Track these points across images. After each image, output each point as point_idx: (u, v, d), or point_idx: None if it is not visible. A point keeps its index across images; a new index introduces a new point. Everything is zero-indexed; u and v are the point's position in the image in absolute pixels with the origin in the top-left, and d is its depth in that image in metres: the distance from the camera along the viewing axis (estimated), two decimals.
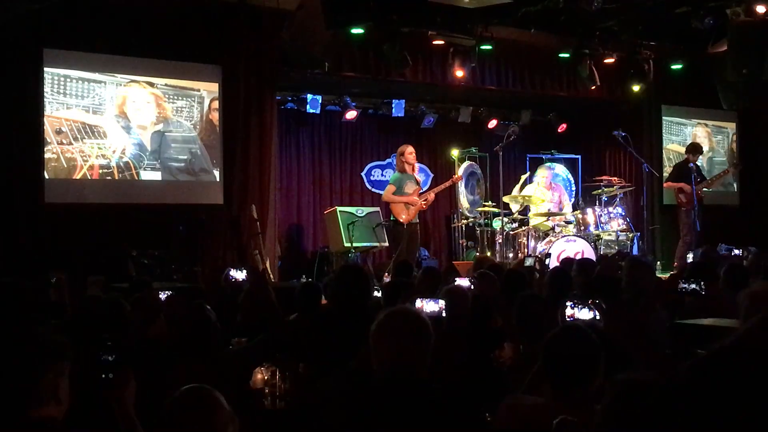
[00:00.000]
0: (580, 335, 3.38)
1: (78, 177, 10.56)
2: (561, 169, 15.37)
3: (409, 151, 12.27)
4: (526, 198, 13.29)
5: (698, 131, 15.86)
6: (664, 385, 1.88)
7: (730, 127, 16.32)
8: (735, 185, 16.10)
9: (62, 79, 10.42)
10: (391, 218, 12.21)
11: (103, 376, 3.27)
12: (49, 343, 3.02)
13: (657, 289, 6.33)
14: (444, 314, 4.93)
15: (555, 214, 13.12)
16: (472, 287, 6.67)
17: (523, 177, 14.58)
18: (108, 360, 3.30)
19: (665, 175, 14.25)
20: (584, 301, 4.40)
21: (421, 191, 12.48)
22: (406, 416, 3.39)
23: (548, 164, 14.44)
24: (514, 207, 13.45)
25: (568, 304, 4.45)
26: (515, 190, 14.19)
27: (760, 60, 14.24)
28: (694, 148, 13.51)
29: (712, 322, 3.79)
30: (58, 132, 10.40)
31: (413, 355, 3.46)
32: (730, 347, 1.61)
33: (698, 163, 13.55)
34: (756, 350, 1.58)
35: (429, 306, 4.88)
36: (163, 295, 6.27)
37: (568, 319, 4.37)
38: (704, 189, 13.37)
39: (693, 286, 5.74)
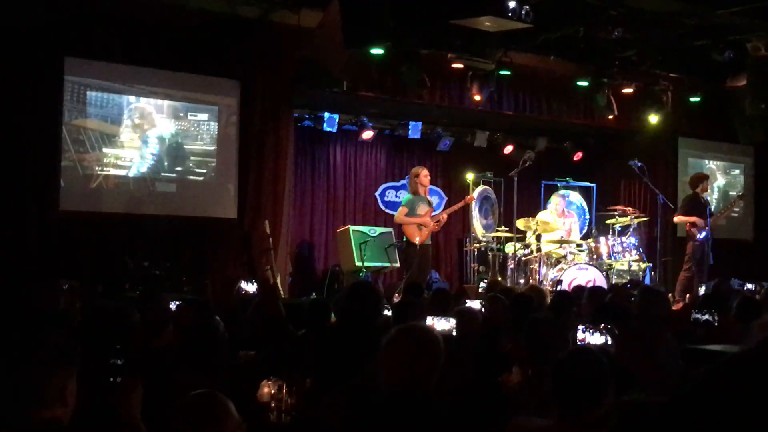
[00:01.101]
0: (591, 358, 3.36)
1: (94, 186, 10.60)
2: (575, 197, 15.35)
3: (425, 174, 12.28)
4: (540, 224, 13.25)
5: (713, 166, 15.81)
6: (668, 405, 1.86)
7: (746, 162, 16.27)
8: (750, 219, 16.02)
9: (82, 88, 10.47)
10: (404, 239, 12.20)
11: (111, 380, 3.26)
12: (58, 345, 3.02)
13: (669, 318, 6.30)
14: (454, 333, 4.91)
15: (567, 242, 13.09)
16: (483, 310, 6.65)
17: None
18: (116, 364, 3.30)
19: None
20: (596, 325, 4.37)
21: (434, 213, 12.48)
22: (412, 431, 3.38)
23: (562, 192, 14.42)
24: (529, 233, 13.42)
25: (580, 327, 4.44)
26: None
27: None
28: (701, 178, 13.37)
29: (725, 348, 3.76)
30: (76, 141, 10.45)
31: (423, 371, 3.44)
32: (732, 360, 1.60)
33: (707, 197, 13.45)
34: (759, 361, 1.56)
35: (440, 324, 4.87)
36: (172, 305, 6.27)
37: (579, 343, 4.35)
38: (717, 222, 13.29)
39: (706, 316, 5.72)
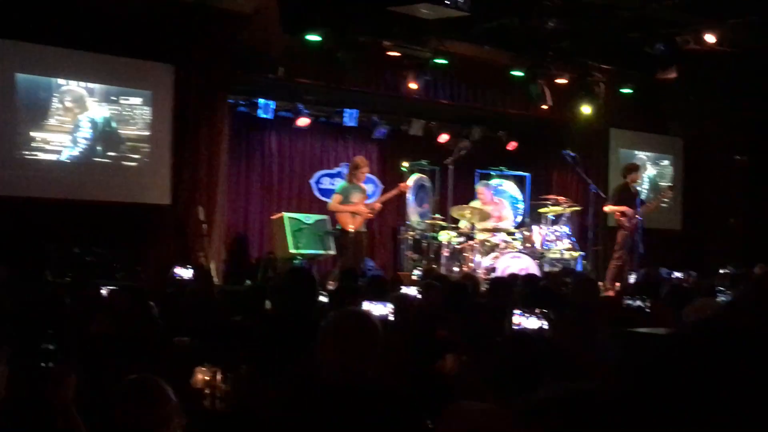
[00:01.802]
0: (528, 342, 3.39)
1: (23, 171, 10.38)
2: (509, 186, 15.47)
3: (364, 171, 12.30)
4: (474, 211, 13.32)
5: (644, 157, 16.06)
6: (607, 391, 1.88)
7: (676, 153, 16.57)
8: (679, 210, 16.32)
9: (10, 70, 10.25)
10: (337, 227, 12.20)
11: (43, 364, 3.21)
12: None
13: (602, 305, 6.40)
14: (391, 318, 4.92)
15: (500, 230, 13.18)
16: (419, 297, 6.68)
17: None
18: (48, 349, 3.24)
19: None
20: (531, 310, 4.42)
21: (368, 201, 12.49)
22: (350, 418, 3.37)
23: (484, 181, 14.42)
24: (463, 221, 13.47)
25: (516, 312, 4.48)
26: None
27: (708, 87, 14.55)
28: (633, 168, 13.55)
29: (657, 331, 3.83)
30: (3, 123, 10.22)
31: (362, 354, 3.44)
32: (670, 341, 1.62)
33: (637, 187, 13.65)
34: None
35: (377, 309, 4.87)
36: (104, 291, 6.19)
37: (515, 328, 4.39)
38: (646, 212, 13.49)
39: (638, 302, 5.82)
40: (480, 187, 13.79)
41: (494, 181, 15.02)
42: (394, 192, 13.01)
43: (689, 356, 1.56)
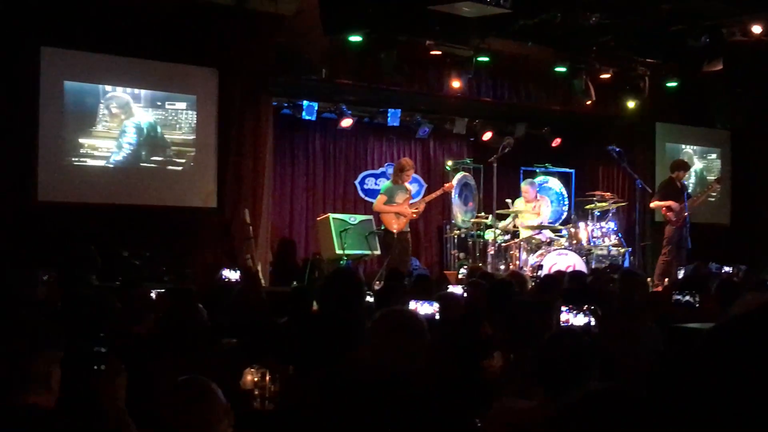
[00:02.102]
0: (575, 339, 3.38)
1: (71, 176, 10.53)
2: (554, 183, 15.39)
3: (409, 173, 12.31)
4: (518, 210, 13.27)
5: (690, 150, 15.88)
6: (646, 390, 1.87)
7: (723, 146, 16.35)
8: (727, 203, 16.10)
9: (59, 77, 10.40)
10: (382, 227, 12.22)
11: (95, 367, 3.26)
12: (39, 332, 3.01)
13: (649, 301, 6.33)
14: (437, 317, 4.92)
15: (544, 227, 13.11)
16: (464, 295, 6.67)
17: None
18: (100, 351, 3.29)
19: None
20: (579, 306, 4.40)
21: (412, 201, 12.50)
22: (397, 417, 3.38)
23: (529, 179, 14.36)
24: (506, 220, 13.42)
25: (564, 309, 4.45)
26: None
27: (755, 79, 14.34)
28: (681, 165, 13.45)
29: (705, 326, 3.78)
30: (52, 131, 10.37)
31: (408, 354, 3.45)
32: (711, 335, 1.60)
33: (684, 181, 13.50)
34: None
35: (423, 308, 4.87)
36: (153, 294, 6.26)
37: (562, 324, 4.37)
38: (694, 206, 13.34)
39: (687, 297, 5.75)
40: (525, 186, 13.74)
41: (539, 179, 14.94)
42: (438, 192, 13.01)
43: (729, 349, 1.54)
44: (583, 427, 2.08)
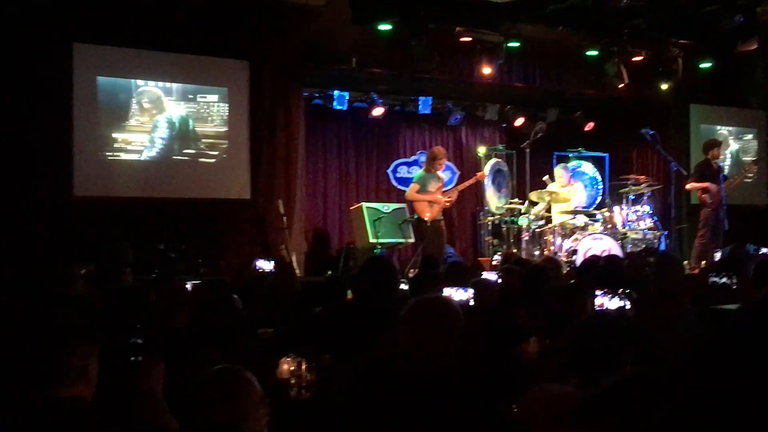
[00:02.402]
0: (610, 322, 3.36)
1: (106, 171, 10.63)
2: (588, 167, 15.29)
3: (442, 162, 12.28)
4: (552, 194, 13.19)
5: (725, 132, 15.71)
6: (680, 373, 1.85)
7: (759, 127, 16.16)
8: (764, 184, 15.92)
9: (91, 73, 10.50)
10: (415, 216, 12.22)
11: (132, 359, 3.29)
12: (76, 325, 3.04)
13: (686, 283, 6.29)
14: (471, 303, 4.92)
15: (580, 212, 13.04)
16: (499, 281, 6.65)
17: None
18: (137, 343, 3.32)
19: None
20: (614, 290, 4.38)
21: (445, 189, 12.48)
22: (432, 404, 3.38)
23: (563, 164, 14.28)
24: (539, 205, 13.35)
25: (599, 293, 4.43)
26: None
27: None
28: (713, 144, 13.26)
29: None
30: (86, 126, 10.47)
31: (442, 340, 3.45)
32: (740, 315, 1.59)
33: (720, 163, 13.34)
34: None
35: (458, 295, 4.87)
36: (188, 286, 6.30)
37: (597, 308, 4.35)
38: (731, 188, 13.19)
39: (724, 279, 5.70)
40: (559, 170, 13.67)
41: (572, 163, 14.85)
42: (471, 181, 12.99)
43: (759, 327, 1.53)
44: (615, 412, 2.07)
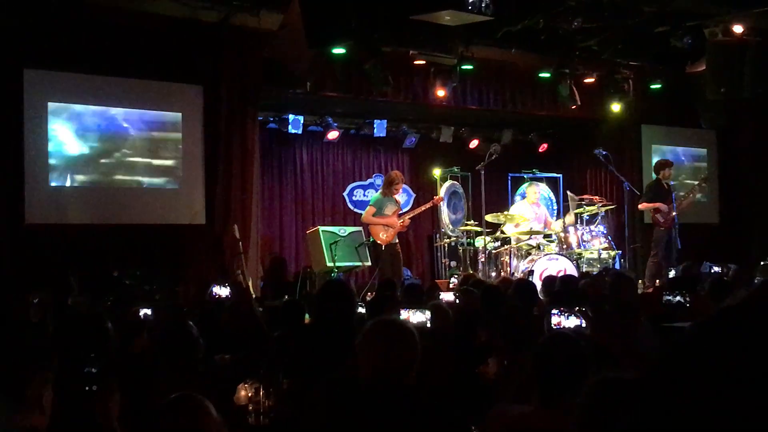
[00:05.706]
0: (569, 342, 3.37)
1: (59, 198, 10.49)
2: (543, 188, 15.41)
3: (399, 186, 12.29)
4: (508, 216, 13.27)
5: (676, 151, 15.92)
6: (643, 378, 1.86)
7: (709, 147, 16.40)
8: (715, 203, 16.14)
9: (43, 99, 10.37)
10: (371, 239, 12.21)
11: (87, 388, 3.23)
12: (32, 354, 2.99)
13: (641, 302, 6.34)
14: (429, 326, 4.91)
15: (537, 233, 13.12)
16: (457, 302, 6.66)
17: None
18: (92, 372, 3.26)
19: None
20: (570, 309, 4.40)
21: (401, 212, 12.49)
22: (393, 424, 3.37)
23: (535, 182, 14.42)
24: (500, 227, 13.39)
25: (555, 312, 4.45)
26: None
27: (738, 79, 14.38)
28: (664, 164, 13.43)
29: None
30: (38, 153, 10.34)
31: (400, 362, 3.44)
32: (700, 327, 1.60)
33: (671, 182, 13.50)
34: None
35: (415, 317, 4.86)
36: (142, 312, 6.23)
37: (554, 327, 4.37)
38: (682, 207, 13.33)
39: (678, 298, 5.75)
40: (532, 187, 13.74)
41: (526, 184, 14.96)
42: (427, 205, 13.04)
43: (710, 343, 1.54)
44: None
